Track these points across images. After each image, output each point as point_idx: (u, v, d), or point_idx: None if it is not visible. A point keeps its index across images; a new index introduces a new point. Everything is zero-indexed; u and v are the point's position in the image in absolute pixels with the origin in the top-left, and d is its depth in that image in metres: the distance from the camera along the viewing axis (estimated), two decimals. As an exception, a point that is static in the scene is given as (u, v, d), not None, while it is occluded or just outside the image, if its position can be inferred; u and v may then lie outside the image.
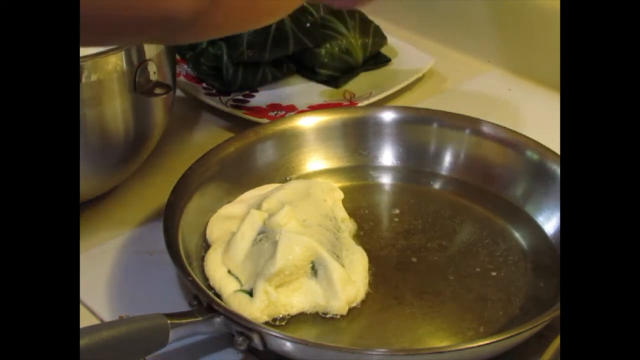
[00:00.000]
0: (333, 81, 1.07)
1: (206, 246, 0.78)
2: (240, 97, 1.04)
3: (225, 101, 1.02)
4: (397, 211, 0.85)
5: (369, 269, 0.76)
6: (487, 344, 0.66)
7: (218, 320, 0.68)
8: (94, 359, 0.61)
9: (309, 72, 1.08)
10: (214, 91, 1.04)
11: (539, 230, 0.82)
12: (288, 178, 0.88)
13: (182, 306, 0.70)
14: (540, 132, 0.87)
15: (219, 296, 0.72)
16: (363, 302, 0.73)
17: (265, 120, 0.96)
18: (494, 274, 0.77)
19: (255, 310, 0.70)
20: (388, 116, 0.91)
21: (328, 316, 0.72)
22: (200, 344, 0.71)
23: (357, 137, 0.91)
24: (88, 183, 0.83)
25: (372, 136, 0.91)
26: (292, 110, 1.01)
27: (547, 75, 1.06)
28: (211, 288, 0.73)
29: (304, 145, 0.89)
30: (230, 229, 0.78)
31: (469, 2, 1.14)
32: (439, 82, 1.10)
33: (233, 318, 0.67)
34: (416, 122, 0.91)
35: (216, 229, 0.79)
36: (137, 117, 0.82)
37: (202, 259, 0.77)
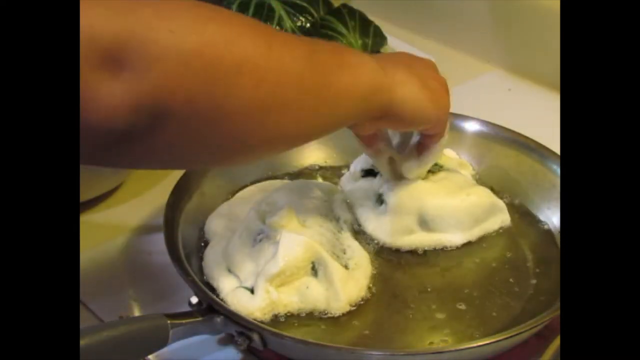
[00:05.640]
0: (333, 81, 1.07)
1: (205, 244, 0.78)
2: (240, 97, 1.03)
3: (225, 101, 1.02)
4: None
5: (370, 269, 0.76)
6: (487, 344, 0.66)
7: (218, 320, 0.68)
8: (94, 359, 0.61)
9: (309, 72, 1.08)
10: (214, 91, 1.04)
11: (539, 230, 0.82)
12: (288, 177, 0.88)
13: (182, 306, 0.69)
14: (540, 132, 0.87)
15: (217, 294, 0.72)
16: (364, 301, 0.73)
17: (265, 120, 0.95)
18: (494, 274, 0.77)
19: (256, 309, 0.70)
20: (388, 116, 0.91)
21: (328, 316, 0.72)
22: (200, 344, 0.71)
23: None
24: (88, 183, 0.83)
25: (372, 136, 0.90)
26: (292, 110, 1.01)
27: (547, 75, 1.06)
28: (211, 286, 0.73)
29: (304, 145, 0.89)
30: (230, 227, 0.78)
31: (469, 2, 1.14)
32: (439, 82, 1.10)
33: (233, 318, 0.67)
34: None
35: (215, 227, 0.79)
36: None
37: (202, 258, 0.77)
